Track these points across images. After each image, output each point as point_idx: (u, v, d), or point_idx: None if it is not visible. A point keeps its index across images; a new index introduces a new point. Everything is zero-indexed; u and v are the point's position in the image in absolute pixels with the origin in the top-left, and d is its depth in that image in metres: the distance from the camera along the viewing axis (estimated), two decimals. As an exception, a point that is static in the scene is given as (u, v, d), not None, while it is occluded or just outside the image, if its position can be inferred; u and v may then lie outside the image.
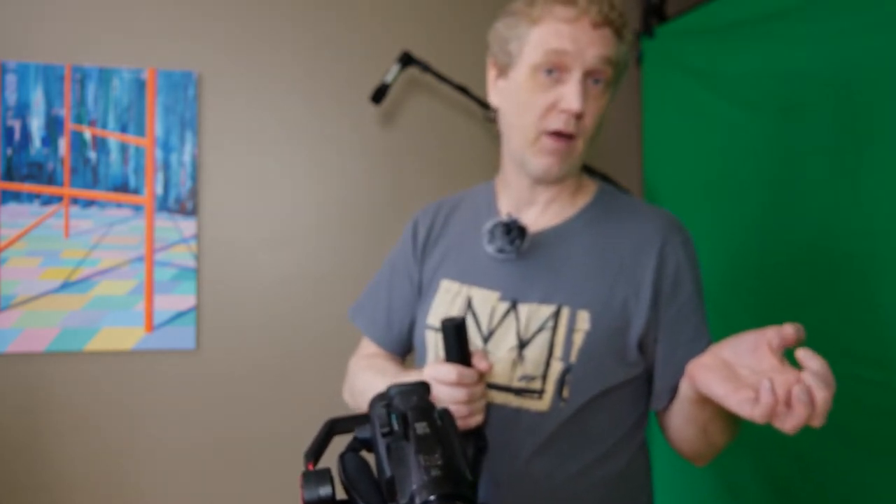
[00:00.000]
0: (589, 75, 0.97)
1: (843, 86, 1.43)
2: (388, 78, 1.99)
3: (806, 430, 1.48)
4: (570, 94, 0.96)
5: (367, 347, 1.27)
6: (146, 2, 1.97)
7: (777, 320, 1.59)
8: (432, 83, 2.11)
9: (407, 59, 1.99)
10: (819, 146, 1.49)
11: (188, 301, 1.97)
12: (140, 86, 1.95)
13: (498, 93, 1.08)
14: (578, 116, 0.97)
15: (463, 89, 2.01)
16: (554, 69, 0.97)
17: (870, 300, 1.35)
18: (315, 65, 2.08)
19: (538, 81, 0.98)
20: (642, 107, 2.25)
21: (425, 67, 2.00)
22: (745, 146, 1.74)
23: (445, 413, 0.72)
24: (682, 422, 1.00)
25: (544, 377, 0.99)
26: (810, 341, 1.48)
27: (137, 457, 1.96)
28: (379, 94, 1.99)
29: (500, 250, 1.03)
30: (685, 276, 1.03)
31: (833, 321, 1.43)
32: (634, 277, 1.01)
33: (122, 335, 1.93)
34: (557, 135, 0.99)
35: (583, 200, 1.10)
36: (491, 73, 1.10)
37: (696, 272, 1.05)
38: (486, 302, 1.05)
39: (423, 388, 0.78)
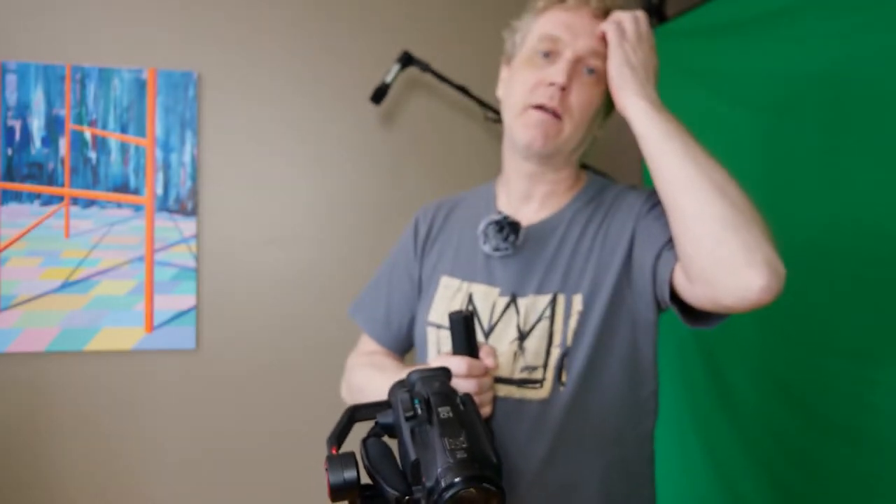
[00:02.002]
0: (581, 62, 1.00)
1: (843, 85, 1.44)
2: (388, 78, 1.99)
3: (808, 430, 1.49)
4: (555, 70, 0.99)
5: (366, 345, 1.27)
6: (146, 2, 1.97)
7: (776, 319, 1.61)
8: (432, 83, 2.11)
9: (407, 59, 2.00)
10: (818, 146, 1.49)
11: (188, 301, 1.97)
12: (140, 86, 1.94)
13: (502, 83, 1.12)
14: (563, 90, 0.98)
15: (463, 89, 2.02)
16: (549, 53, 1.01)
17: (870, 299, 1.36)
18: (315, 65, 2.08)
19: (533, 62, 1.02)
20: (641, 107, 2.26)
21: (425, 67, 2.01)
22: (745, 146, 1.75)
23: (468, 398, 0.72)
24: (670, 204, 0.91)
25: (545, 366, 1.00)
26: (810, 340, 1.49)
27: (137, 456, 1.95)
28: (379, 94, 1.99)
29: (496, 249, 1.04)
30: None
31: (833, 320, 1.43)
32: (619, 245, 1.01)
33: (122, 335, 1.92)
34: (542, 108, 1.00)
35: (574, 192, 1.11)
36: (502, 70, 1.13)
37: None
38: (487, 298, 1.07)
39: (445, 373, 0.78)
